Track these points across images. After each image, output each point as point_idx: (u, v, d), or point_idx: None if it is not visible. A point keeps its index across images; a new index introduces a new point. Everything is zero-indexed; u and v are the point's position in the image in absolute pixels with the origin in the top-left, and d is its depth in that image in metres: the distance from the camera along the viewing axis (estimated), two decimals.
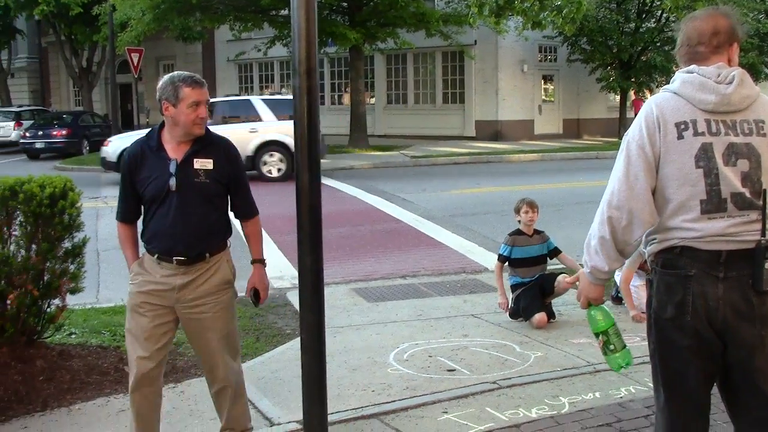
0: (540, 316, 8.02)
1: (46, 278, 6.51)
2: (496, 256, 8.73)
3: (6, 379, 6.22)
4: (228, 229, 4.99)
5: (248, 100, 24.86)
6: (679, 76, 3.61)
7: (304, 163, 4.55)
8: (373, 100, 39.92)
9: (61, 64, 48.84)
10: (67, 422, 5.87)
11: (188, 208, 4.72)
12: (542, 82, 38.06)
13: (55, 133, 34.24)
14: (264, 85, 45.57)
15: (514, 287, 8.44)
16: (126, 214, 4.95)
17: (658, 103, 3.57)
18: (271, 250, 12.19)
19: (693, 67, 3.59)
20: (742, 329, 3.45)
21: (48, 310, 6.72)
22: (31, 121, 37.42)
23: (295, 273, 10.22)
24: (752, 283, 3.43)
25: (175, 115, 4.68)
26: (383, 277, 10.57)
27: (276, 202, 17.40)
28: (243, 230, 5.14)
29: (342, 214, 15.63)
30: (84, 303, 8.76)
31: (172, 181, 4.70)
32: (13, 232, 6.47)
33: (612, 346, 3.85)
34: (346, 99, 38.87)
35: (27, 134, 34.65)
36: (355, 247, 12.64)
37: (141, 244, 4.97)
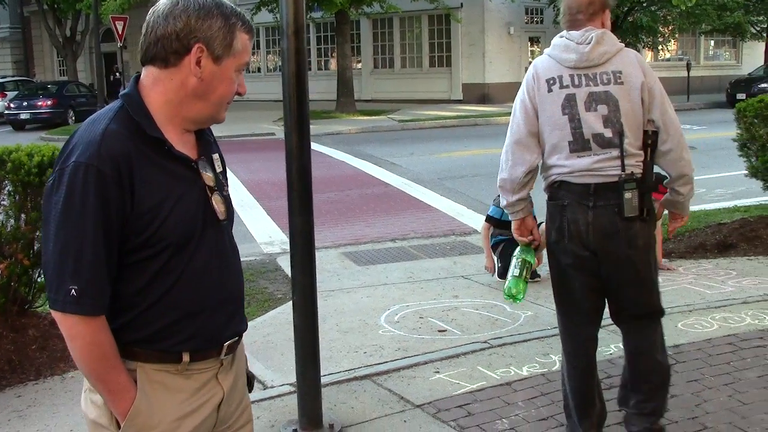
0: None
1: (36, 247, 6.48)
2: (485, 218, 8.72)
3: None
4: None
5: None
6: (553, 41, 4.28)
7: (294, 124, 4.56)
8: (359, 65, 39.79)
9: (45, 34, 48.49)
10: (60, 390, 5.87)
11: (231, 251, 2.62)
12: (529, 44, 37.95)
13: (40, 103, 33.86)
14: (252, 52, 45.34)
15: (495, 246, 8.44)
16: (102, 298, 2.33)
17: (536, 65, 4.28)
18: (260, 216, 12.24)
19: (564, 32, 4.26)
20: (611, 249, 4.13)
21: (39, 279, 6.70)
22: (16, 92, 37.05)
23: (285, 238, 10.41)
24: (618, 210, 4.07)
25: (212, 78, 2.41)
26: (373, 241, 10.58)
27: (264, 168, 17.42)
28: None
29: (330, 178, 15.62)
30: None
31: (219, 203, 2.53)
32: (2, 202, 6.44)
33: (524, 272, 4.56)
34: (333, 64, 38.79)
35: (12, 105, 34.27)
36: (344, 212, 12.65)
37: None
